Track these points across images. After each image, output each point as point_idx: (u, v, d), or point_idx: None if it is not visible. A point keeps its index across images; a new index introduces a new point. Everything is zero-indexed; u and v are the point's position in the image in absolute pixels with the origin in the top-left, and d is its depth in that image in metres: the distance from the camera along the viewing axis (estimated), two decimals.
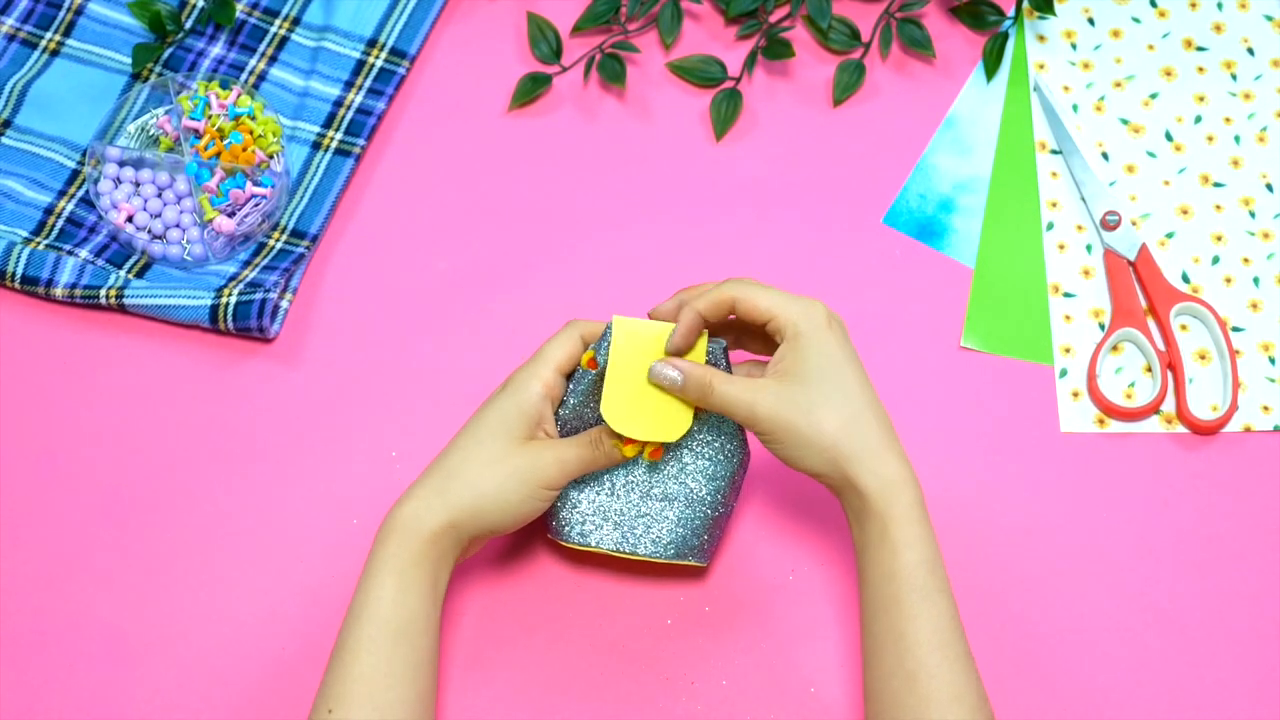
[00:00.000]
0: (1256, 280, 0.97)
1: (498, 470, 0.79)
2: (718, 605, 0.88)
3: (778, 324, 0.79)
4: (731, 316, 0.82)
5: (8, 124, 0.99)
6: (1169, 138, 1.01)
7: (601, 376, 0.81)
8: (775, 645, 0.86)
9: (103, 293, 0.94)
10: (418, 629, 0.77)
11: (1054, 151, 1.01)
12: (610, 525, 0.84)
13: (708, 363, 0.81)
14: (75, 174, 0.99)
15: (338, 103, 1.01)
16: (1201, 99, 1.02)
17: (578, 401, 0.83)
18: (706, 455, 0.85)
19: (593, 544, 0.84)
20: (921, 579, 0.75)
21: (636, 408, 0.80)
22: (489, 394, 0.83)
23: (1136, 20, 1.04)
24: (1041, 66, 1.03)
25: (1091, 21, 1.04)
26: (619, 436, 0.82)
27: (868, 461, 0.76)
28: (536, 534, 0.89)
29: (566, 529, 0.85)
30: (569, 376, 0.82)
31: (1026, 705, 0.86)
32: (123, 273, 0.96)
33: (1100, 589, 0.89)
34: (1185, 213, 0.99)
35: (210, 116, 0.97)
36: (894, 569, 0.75)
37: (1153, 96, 1.02)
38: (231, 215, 0.96)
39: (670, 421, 0.81)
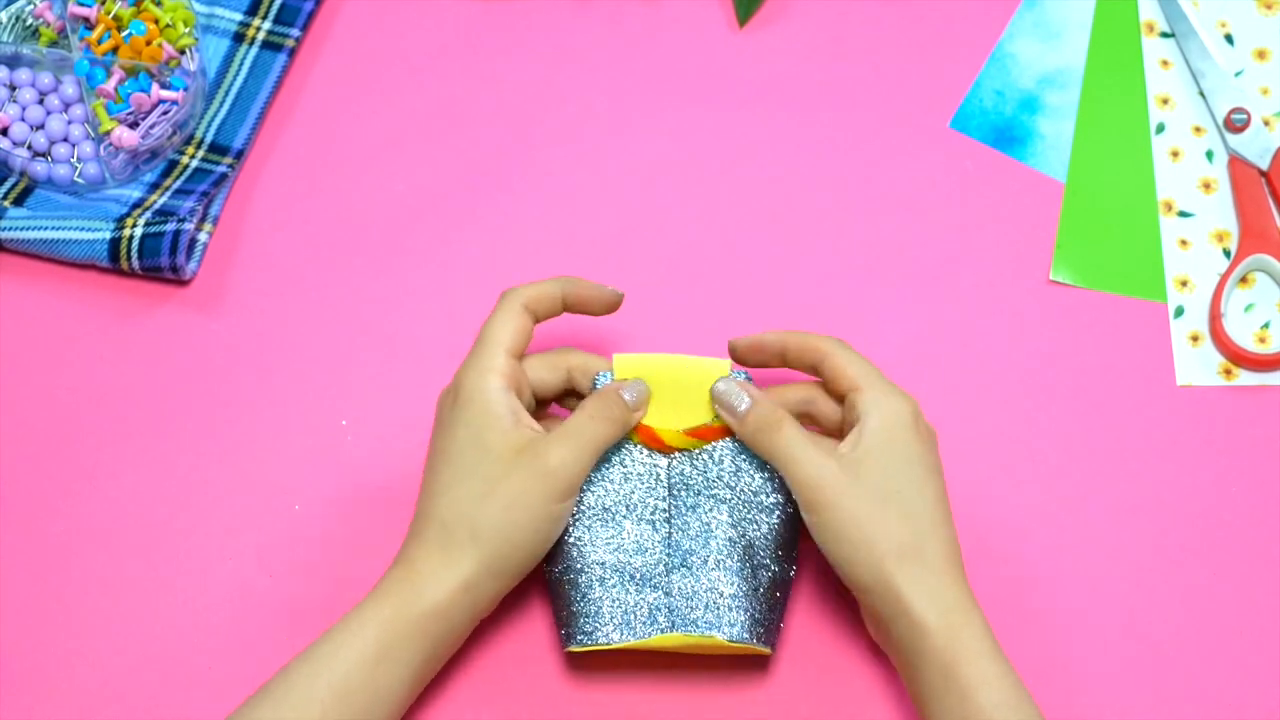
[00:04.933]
0: None
1: (493, 504, 0.77)
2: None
3: (860, 403, 0.78)
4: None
5: None
6: None
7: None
8: None
9: None
10: (376, 716, 0.75)
11: (1165, 34, 0.99)
12: (643, 606, 0.78)
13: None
14: None
15: None
16: None
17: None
18: (752, 490, 0.81)
19: (625, 640, 0.78)
20: None
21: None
22: (451, 355, 0.83)
23: None
24: None
25: None
26: (651, 437, 0.81)
27: (927, 582, 0.75)
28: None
29: (589, 628, 0.78)
30: (521, 358, 0.81)
31: (1143, 693, 0.84)
32: None
33: (1230, 579, 0.86)
34: None
35: (104, 1, 0.96)
36: (967, 717, 0.73)
37: None
38: (134, 126, 0.94)
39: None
